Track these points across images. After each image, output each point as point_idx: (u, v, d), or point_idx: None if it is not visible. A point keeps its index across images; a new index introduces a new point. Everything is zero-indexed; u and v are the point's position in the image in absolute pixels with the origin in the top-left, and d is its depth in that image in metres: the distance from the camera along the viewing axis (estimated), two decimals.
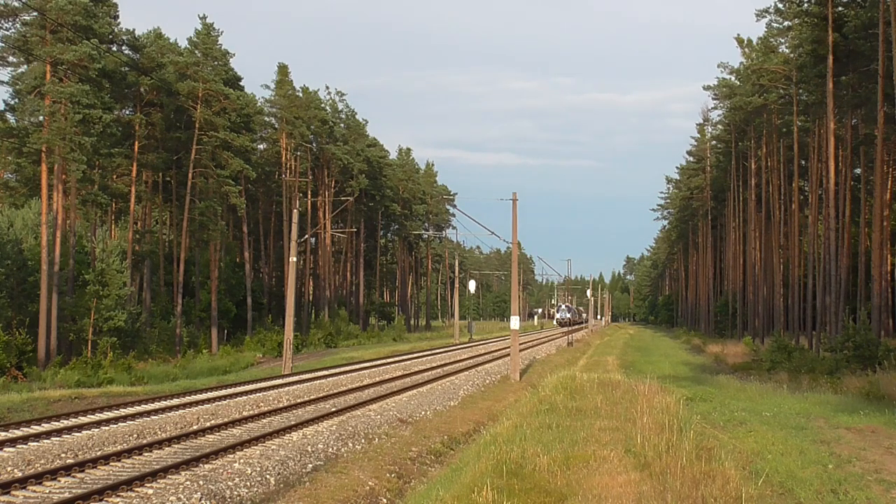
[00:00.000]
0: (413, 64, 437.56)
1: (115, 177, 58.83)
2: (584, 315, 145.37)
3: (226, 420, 20.31)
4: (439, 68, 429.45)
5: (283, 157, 74.50)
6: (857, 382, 25.77)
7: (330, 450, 16.65)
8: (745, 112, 62.56)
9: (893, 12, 33.23)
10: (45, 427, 18.61)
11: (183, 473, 14.14)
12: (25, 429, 18.46)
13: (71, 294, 46.07)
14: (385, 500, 13.94)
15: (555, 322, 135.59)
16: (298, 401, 24.02)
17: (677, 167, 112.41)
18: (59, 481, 13.72)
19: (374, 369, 36.00)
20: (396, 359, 43.52)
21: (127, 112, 56.20)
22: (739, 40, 66.80)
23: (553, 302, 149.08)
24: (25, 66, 49.61)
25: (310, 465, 15.28)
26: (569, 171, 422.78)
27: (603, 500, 10.39)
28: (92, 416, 20.55)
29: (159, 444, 16.85)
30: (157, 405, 22.80)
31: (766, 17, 52.88)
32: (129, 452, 15.77)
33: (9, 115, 49.88)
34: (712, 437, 15.14)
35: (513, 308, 36.35)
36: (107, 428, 18.66)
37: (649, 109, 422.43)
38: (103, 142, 46.84)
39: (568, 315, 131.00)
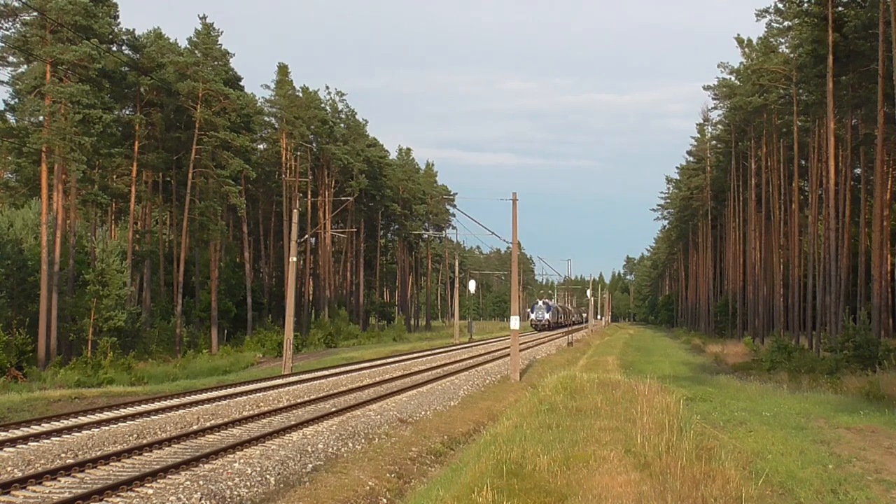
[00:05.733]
0: (412, 64, 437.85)
1: (115, 177, 58.86)
2: (584, 314, 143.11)
3: (226, 420, 20.31)
4: (438, 69, 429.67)
5: (283, 157, 74.51)
6: (857, 382, 25.77)
7: (330, 450, 16.65)
8: (745, 112, 62.56)
9: (893, 12, 33.22)
10: (45, 427, 18.61)
11: (183, 473, 14.13)
12: (25, 429, 18.45)
13: (71, 294, 46.07)
14: (385, 500, 13.94)
15: (531, 324, 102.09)
16: (298, 401, 24.02)
17: (677, 167, 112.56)
18: (59, 481, 13.72)
19: (374, 369, 36.00)
20: (396, 359, 43.52)
21: (127, 112, 56.19)
22: (739, 40, 66.82)
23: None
24: (25, 66, 49.65)
25: (310, 465, 15.28)
26: (568, 171, 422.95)
27: (603, 500, 10.38)
28: (92, 416, 20.55)
29: (159, 444, 16.85)
30: (157, 405, 22.80)
31: (766, 17, 52.99)
32: (129, 452, 15.77)
33: (9, 115, 49.90)
34: (712, 437, 15.13)
35: (513, 308, 36.33)
36: (107, 428, 18.65)
37: (648, 110, 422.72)
38: (103, 142, 46.84)
39: (546, 315, 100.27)
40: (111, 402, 24.68)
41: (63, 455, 15.82)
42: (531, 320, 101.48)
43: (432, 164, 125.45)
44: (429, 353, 50.29)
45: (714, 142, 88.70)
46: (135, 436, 18.03)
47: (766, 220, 66.02)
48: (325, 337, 65.83)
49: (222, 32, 59.88)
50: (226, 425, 19.25)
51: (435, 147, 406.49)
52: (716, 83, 72.37)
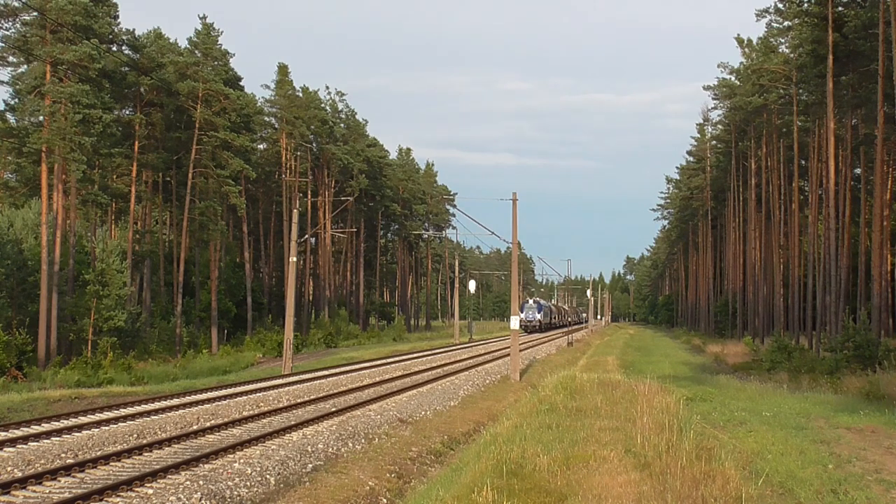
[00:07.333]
0: (412, 64, 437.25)
1: (115, 177, 58.86)
2: (582, 314, 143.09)
3: (226, 420, 20.31)
4: (438, 69, 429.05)
5: (283, 157, 74.52)
6: (857, 382, 25.76)
7: (330, 450, 16.65)
8: (745, 112, 62.57)
9: (893, 12, 33.22)
10: (45, 427, 18.61)
11: (183, 473, 14.13)
12: (25, 429, 18.45)
13: (71, 294, 46.07)
14: (385, 500, 13.94)
15: (520, 325, 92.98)
16: (298, 401, 24.02)
17: (677, 167, 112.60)
18: (59, 481, 13.72)
19: (374, 369, 36.00)
20: (396, 359, 43.52)
21: (127, 112, 56.22)
22: (739, 40, 66.84)
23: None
24: (25, 66, 49.63)
25: (310, 465, 15.28)
26: (568, 171, 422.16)
27: (603, 500, 10.38)
28: (92, 416, 20.55)
29: (159, 444, 16.85)
30: (157, 405, 22.80)
31: (766, 17, 52.99)
32: (129, 452, 15.77)
33: (9, 115, 49.89)
34: (712, 437, 15.12)
35: (513, 308, 36.34)
36: (107, 428, 18.65)
37: (648, 110, 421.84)
38: (103, 142, 46.86)
39: (538, 315, 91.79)
40: (111, 402, 24.68)
41: (63, 455, 15.82)
42: (521, 321, 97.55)
43: (432, 164, 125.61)
44: (429, 353, 50.29)
45: (714, 142, 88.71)
46: (135, 436, 18.03)
47: (766, 220, 66.01)
48: (325, 337, 65.82)
49: (222, 32, 59.94)
50: (226, 425, 19.25)
51: (435, 147, 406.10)
52: (716, 83, 72.41)
